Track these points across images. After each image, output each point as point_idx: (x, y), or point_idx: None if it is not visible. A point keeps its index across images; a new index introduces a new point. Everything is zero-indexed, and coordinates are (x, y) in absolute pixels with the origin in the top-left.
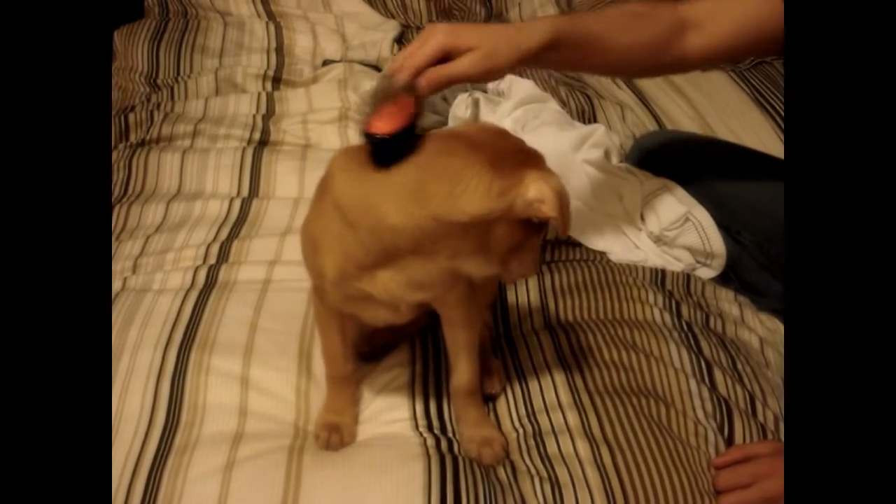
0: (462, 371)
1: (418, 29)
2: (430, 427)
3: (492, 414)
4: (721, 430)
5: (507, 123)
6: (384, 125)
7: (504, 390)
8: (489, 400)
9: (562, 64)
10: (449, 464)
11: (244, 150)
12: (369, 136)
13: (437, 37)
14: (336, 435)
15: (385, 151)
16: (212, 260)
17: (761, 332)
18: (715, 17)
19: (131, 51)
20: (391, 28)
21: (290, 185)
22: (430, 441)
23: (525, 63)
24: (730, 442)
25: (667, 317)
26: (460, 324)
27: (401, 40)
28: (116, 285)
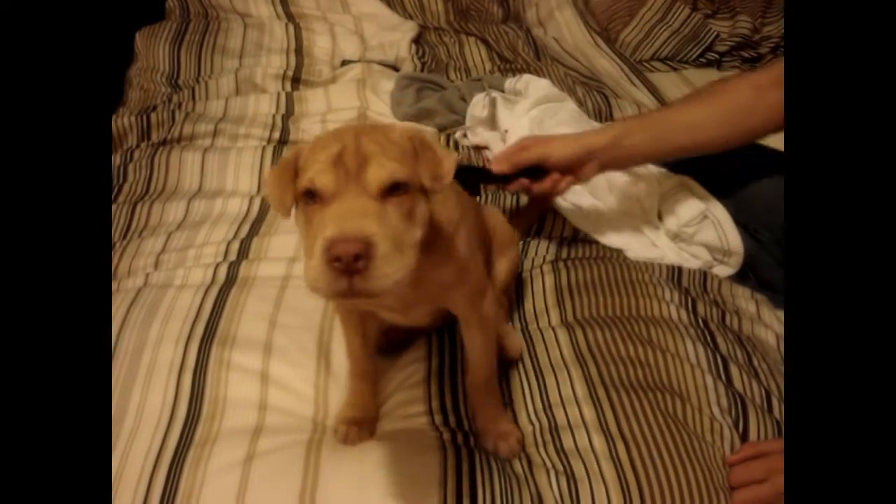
0: (477, 369)
1: (436, 30)
2: (446, 422)
3: (508, 407)
4: (736, 425)
5: (525, 122)
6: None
7: (521, 384)
8: (509, 365)
9: (640, 155)
10: (465, 457)
11: (264, 148)
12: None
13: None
14: (355, 429)
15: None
16: (232, 256)
17: (778, 329)
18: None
19: (153, 52)
20: (409, 29)
21: None
22: (447, 435)
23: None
24: (744, 437)
25: (683, 313)
26: (475, 325)
27: (418, 41)
28: (139, 281)
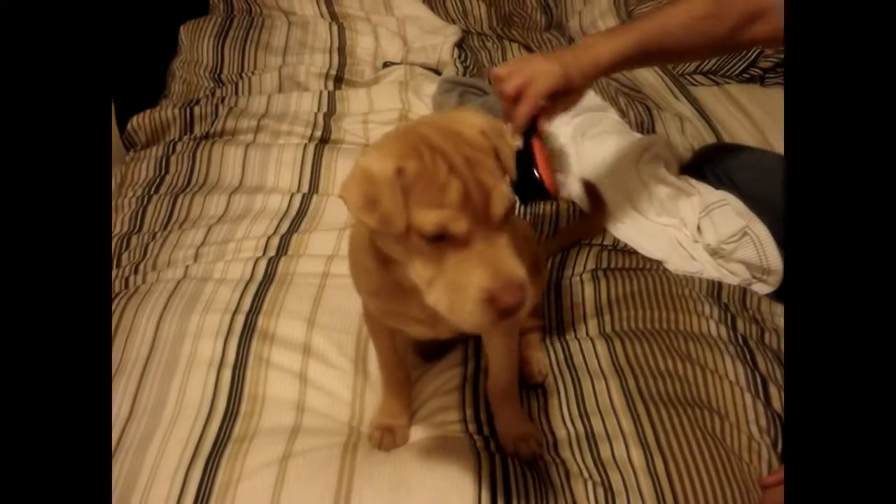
0: (497, 374)
1: (479, 34)
2: (480, 430)
3: (542, 411)
4: (774, 446)
5: (568, 130)
6: (549, 180)
7: (557, 389)
8: (533, 389)
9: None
10: (499, 464)
11: (305, 146)
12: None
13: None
14: (389, 436)
15: (536, 192)
16: (272, 252)
17: None
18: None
19: (197, 46)
20: (452, 33)
21: None
22: (480, 442)
23: (597, 78)
24: (782, 458)
25: (723, 330)
26: (499, 331)
27: (461, 45)
28: (178, 272)
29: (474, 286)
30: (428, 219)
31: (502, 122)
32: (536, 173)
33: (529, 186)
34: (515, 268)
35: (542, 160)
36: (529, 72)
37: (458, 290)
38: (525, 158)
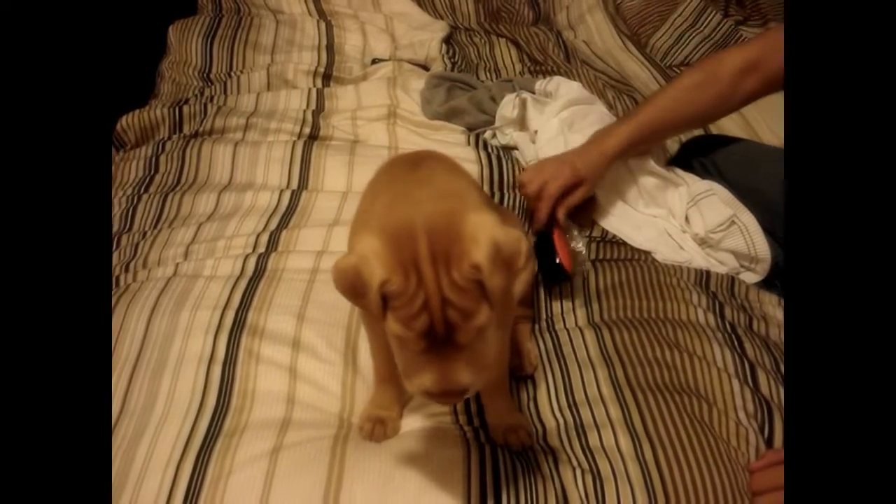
0: None
1: (466, 30)
2: (469, 420)
3: (531, 402)
4: (762, 430)
5: (555, 124)
6: (567, 264)
7: (545, 379)
8: (522, 380)
9: (644, 148)
10: (488, 454)
11: (294, 143)
12: (560, 266)
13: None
14: (380, 427)
15: (557, 275)
16: (261, 248)
17: None
18: (768, 54)
19: (185, 46)
20: (439, 28)
21: (338, 178)
22: (470, 433)
23: (608, 167)
24: (770, 443)
25: (710, 317)
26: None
27: (449, 41)
28: (169, 270)
29: (418, 382)
30: (393, 330)
31: (520, 238)
32: (558, 260)
33: (551, 270)
34: (460, 379)
35: (561, 247)
36: (545, 175)
37: (408, 373)
38: (547, 247)
